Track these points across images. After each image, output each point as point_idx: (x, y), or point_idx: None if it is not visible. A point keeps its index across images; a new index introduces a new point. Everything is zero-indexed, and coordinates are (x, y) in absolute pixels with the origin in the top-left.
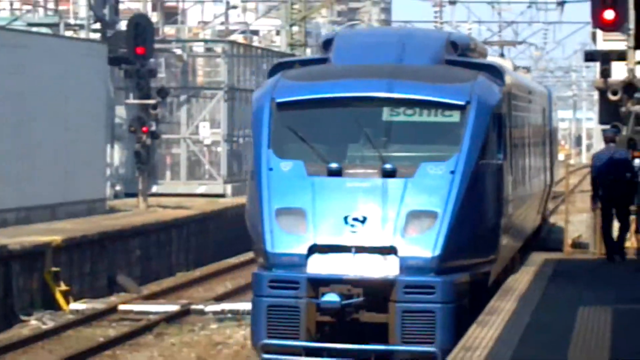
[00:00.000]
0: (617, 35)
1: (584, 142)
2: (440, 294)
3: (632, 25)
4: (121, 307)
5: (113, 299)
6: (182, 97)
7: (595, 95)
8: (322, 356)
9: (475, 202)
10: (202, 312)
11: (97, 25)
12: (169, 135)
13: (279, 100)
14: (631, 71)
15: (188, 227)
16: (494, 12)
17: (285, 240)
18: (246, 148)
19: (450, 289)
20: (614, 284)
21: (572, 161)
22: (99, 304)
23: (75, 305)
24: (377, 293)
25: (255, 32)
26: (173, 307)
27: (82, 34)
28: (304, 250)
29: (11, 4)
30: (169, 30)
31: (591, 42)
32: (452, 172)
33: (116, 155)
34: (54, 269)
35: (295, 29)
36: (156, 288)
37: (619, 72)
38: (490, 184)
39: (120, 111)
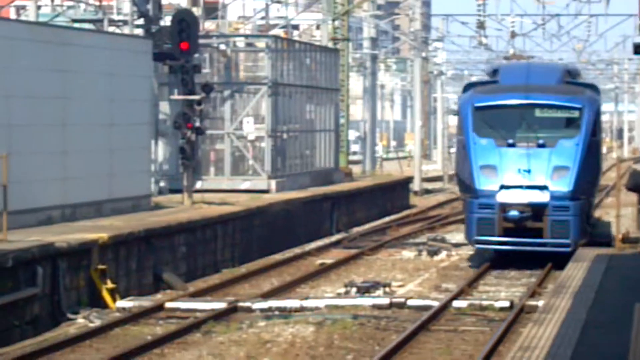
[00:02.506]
0: None
1: (626, 134)
2: (572, 211)
3: None
4: (168, 304)
5: (159, 296)
6: (226, 93)
7: (638, 87)
8: (507, 245)
9: (588, 161)
10: (249, 310)
11: (141, 21)
12: (213, 131)
13: (476, 105)
14: None
15: (233, 223)
16: (539, 5)
17: (486, 182)
18: (290, 143)
19: (577, 208)
20: None
21: (614, 154)
22: (145, 302)
23: (122, 303)
24: (537, 211)
25: (295, 27)
26: (220, 305)
27: (126, 30)
28: (496, 188)
29: (52, 0)
30: (209, 25)
31: (633, 34)
32: (577, 145)
33: (160, 151)
34: (100, 266)
35: (336, 23)
36: (202, 285)
37: None
38: (595, 151)
39: (164, 107)
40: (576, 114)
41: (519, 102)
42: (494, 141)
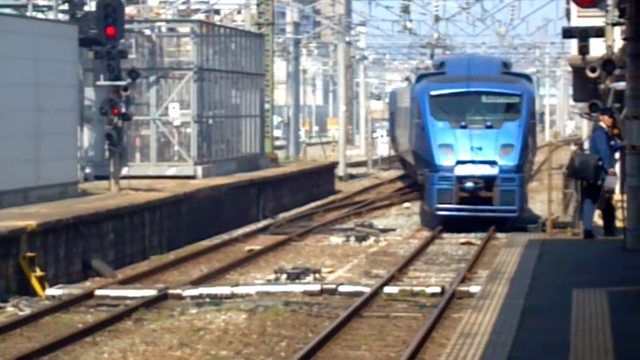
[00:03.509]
0: (592, 12)
1: (547, 118)
2: (517, 182)
3: (610, 1)
4: (98, 292)
5: (88, 284)
6: (151, 78)
7: (558, 71)
8: (463, 212)
9: (528, 140)
10: (180, 297)
11: (65, 6)
12: (139, 117)
13: (431, 93)
14: (609, 48)
15: (161, 210)
16: None
17: (444, 158)
18: (215, 129)
19: (521, 180)
20: (603, 264)
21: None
22: (75, 289)
23: (51, 291)
24: (488, 182)
25: (217, 12)
26: (150, 292)
27: (51, 16)
28: (453, 163)
29: None
30: (130, 10)
31: (555, 17)
32: (519, 126)
33: (85, 137)
34: (29, 254)
35: (261, 7)
36: (131, 272)
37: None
38: (532, 132)
39: (89, 93)
40: (517, 99)
41: (469, 89)
42: (449, 124)
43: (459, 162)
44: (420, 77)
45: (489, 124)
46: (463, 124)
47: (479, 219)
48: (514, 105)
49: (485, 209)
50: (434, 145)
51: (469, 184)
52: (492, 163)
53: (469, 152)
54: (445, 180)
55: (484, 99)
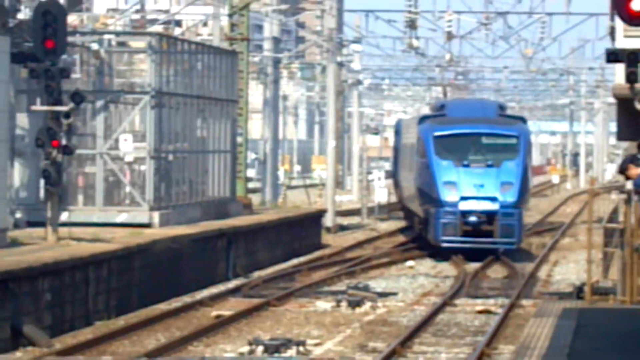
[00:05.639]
0: None
1: (583, 160)
2: (516, 217)
3: None
4: None
5: (19, 354)
6: (99, 103)
7: (597, 103)
8: (466, 244)
9: (525, 178)
10: None
11: None
12: (82, 151)
13: (435, 134)
14: None
15: (109, 265)
16: (485, 1)
17: (449, 194)
18: (177, 167)
19: (519, 215)
20: None
21: (568, 185)
22: None
23: None
24: (490, 217)
25: (178, 23)
26: None
27: None
28: (457, 199)
29: None
30: (72, 19)
31: (593, 38)
32: (517, 165)
33: (16, 175)
34: None
35: (233, 18)
36: (72, 341)
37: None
38: (528, 171)
39: (22, 120)
40: (514, 140)
41: (471, 131)
42: (452, 162)
43: (463, 198)
44: (422, 119)
45: (489, 162)
46: (466, 162)
47: (480, 250)
48: (512, 146)
49: (487, 241)
50: (439, 182)
51: (472, 218)
52: (493, 199)
53: (471, 188)
54: (450, 215)
55: (484, 139)
